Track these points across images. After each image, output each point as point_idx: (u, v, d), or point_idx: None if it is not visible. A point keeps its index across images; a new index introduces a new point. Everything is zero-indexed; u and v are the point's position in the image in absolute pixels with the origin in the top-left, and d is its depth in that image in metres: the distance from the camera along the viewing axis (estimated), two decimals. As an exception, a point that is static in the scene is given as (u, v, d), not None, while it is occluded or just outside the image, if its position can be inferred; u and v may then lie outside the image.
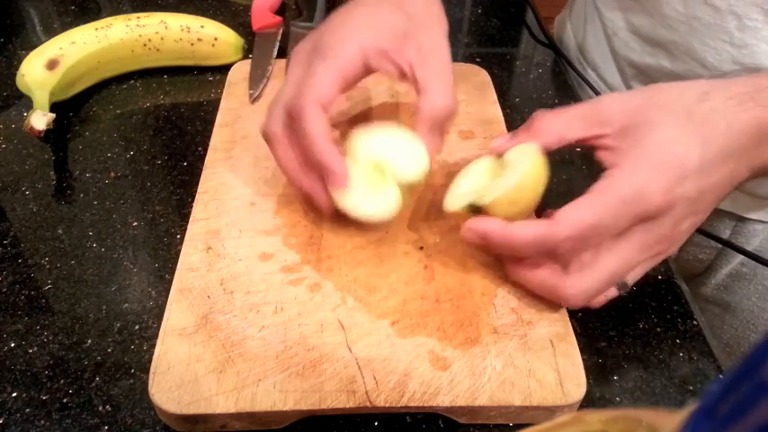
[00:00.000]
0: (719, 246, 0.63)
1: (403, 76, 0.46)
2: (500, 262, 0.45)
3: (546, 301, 0.43)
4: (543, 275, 0.41)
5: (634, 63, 0.62)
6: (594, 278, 0.39)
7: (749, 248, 0.61)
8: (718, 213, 0.61)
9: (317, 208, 0.45)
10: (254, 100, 0.59)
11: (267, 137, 0.46)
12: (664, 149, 0.39)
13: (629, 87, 0.65)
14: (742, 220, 0.61)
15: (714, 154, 0.39)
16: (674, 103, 0.40)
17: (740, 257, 0.62)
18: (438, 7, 0.49)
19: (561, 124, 0.42)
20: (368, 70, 0.45)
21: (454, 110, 0.47)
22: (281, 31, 0.69)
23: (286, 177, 0.46)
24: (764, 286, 0.62)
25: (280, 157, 0.45)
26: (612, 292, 0.42)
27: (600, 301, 0.42)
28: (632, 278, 0.41)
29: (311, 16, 0.63)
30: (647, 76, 0.62)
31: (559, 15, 0.80)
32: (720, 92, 0.40)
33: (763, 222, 0.60)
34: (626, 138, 0.40)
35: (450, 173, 0.53)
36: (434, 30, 0.47)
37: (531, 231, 0.39)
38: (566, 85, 0.69)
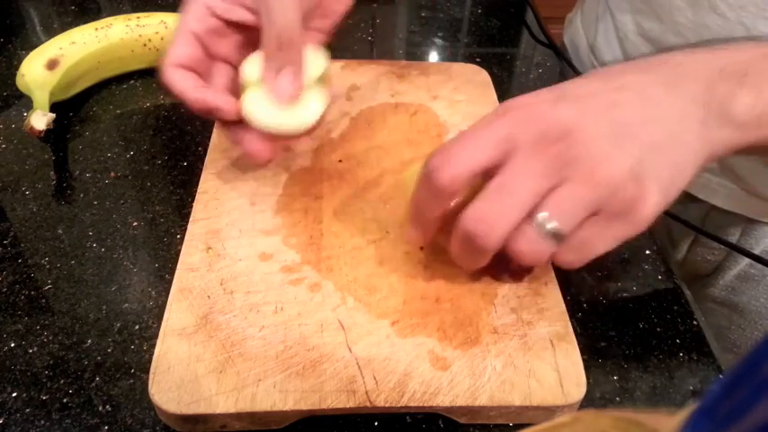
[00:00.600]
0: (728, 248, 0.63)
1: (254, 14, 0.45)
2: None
3: (546, 300, 0.43)
4: (454, 228, 0.37)
5: None
6: (484, 194, 0.35)
7: (758, 250, 0.61)
8: (726, 215, 0.61)
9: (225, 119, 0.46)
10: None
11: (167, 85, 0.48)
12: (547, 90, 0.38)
13: None
14: (751, 222, 0.61)
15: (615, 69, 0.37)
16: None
17: (749, 259, 0.62)
18: None
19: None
20: (221, 19, 0.46)
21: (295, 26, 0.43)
22: None
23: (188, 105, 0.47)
24: None
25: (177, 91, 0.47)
26: (541, 238, 0.35)
27: (530, 250, 0.36)
28: (561, 215, 0.35)
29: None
30: None
31: (570, 14, 0.80)
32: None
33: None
34: None
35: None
36: None
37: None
38: (566, 85, 0.69)
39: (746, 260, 0.62)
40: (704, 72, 0.37)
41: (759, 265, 0.62)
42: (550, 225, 0.34)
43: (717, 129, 0.36)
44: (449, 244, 0.39)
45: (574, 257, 0.36)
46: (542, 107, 0.36)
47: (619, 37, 0.65)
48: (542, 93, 0.38)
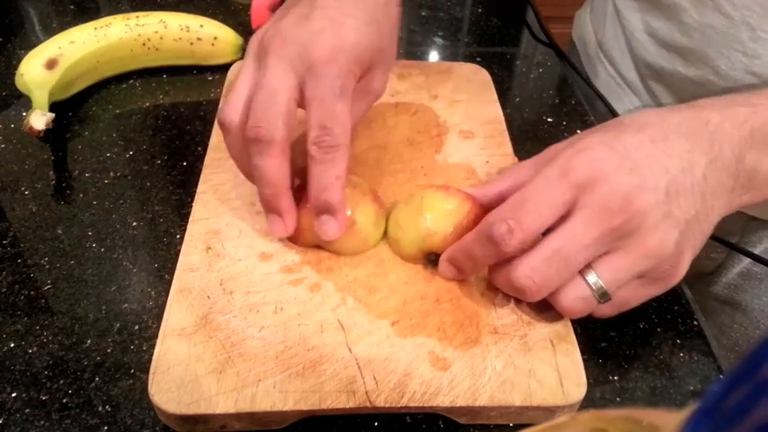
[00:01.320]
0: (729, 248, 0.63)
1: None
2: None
3: (546, 301, 0.43)
4: (503, 269, 0.40)
5: (650, 65, 0.63)
6: (539, 254, 0.38)
7: (759, 249, 0.61)
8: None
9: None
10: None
11: (223, 126, 0.43)
12: (600, 137, 0.39)
13: (646, 87, 0.66)
14: (752, 220, 0.61)
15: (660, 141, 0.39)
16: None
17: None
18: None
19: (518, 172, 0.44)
20: None
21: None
22: None
23: (237, 167, 0.45)
24: None
25: (233, 147, 0.44)
26: (588, 298, 0.39)
27: (576, 304, 0.39)
28: (611, 280, 0.38)
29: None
30: (663, 78, 0.62)
31: (579, 11, 0.80)
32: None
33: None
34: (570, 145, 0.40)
35: (448, 173, 0.53)
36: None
37: (472, 233, 0.41)
38: (566, 84, 0.69)
39: (748, 259, 0.62)
40: (737, 138, 0.39)
41: (761, 264, 0.62)
42: (598, 287, 0.38)
43: (740, 196, 0.41)
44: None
45: (609, 311, 0.41)
46: (607, 171, 0.37)
47: (626, 35, 0.65)
48: (601, 144, 0.39)
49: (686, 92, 0.59)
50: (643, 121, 0.40)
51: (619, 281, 0.38)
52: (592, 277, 0.38)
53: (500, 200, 0.41)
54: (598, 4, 0.73)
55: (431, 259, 0.45)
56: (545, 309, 0.43)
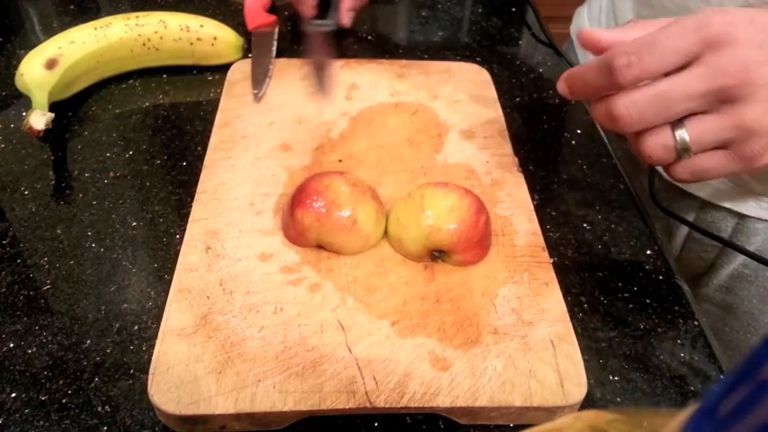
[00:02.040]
0: (721, 244, 0.63)
1: None
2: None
3: (547, 300, 0.43)
4: (606, 97, 0.41)
5: None
6: (646, 91, 0.39)
7: (751, 248, 0.61)
8: (719, 211, 0.61)
9: None
10: (258, 99, 0.59)
11: None
12: (739, 9, 0.40)
13: None
14: (743, 218, 0.61)
15: None
16: None
17: (742, 258, 0.62)
18: None
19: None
20: None
21: None
22: (276, 29, 0.69)
23: None
24: (766, 288, 0.62)
25: None
26: (670, 148, 0.40)
27: (656, 150, 0.41)
28: (696, 138, 0.40)
29: (325, 15, 0.64)
30: None
31: (578, 8, 0.81)
32: None
33: (765, 221, 0.60)
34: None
35: (449, 172, 0.53)
36: None
37: (597, 57, 0.42)
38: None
39: (739, 259, 0.63)
40: None
41: (752, 265, 0.62)
42: (684, 140, 0.40)
43: None
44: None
45: (687, 176, 0.42)
46: (738, 37, 0.38)
47: (617, 24, 0.66)
48: (743, 14, 0.39)
49: None
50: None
51: (704, 141, 0.40)
52: (680, 129, 0.39)
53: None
54: (595, 1, 0.74)
55: (435, 256, 0.45)
56: (546, 309, 0.43)
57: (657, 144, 0.41)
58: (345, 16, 0.66)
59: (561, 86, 0.46)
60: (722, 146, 0.40)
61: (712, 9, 0.40)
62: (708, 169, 0.41)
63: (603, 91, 0.42)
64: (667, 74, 0.39)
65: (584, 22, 0.76)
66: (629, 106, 0.40)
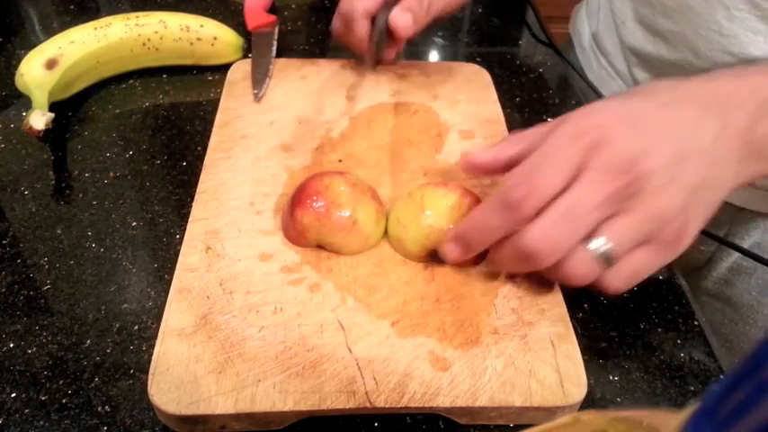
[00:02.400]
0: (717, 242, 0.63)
1: None
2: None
3: (547, 300, 0.43)
4: (506, 241, 0.39)
5: (637, 51, 0.64)
6: (550, 215, 0.37)
7: (749, 241, 0.61)
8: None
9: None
10: (259, 99, 0.59)
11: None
12: (611, 102, 0.40)
13: (632, 75, 0.67)
14: (741, 211, 0.61)
15: (676, 101, 0.39)
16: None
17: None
18: None
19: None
20: None
21: None
22: (276, 29, 0.69)
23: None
24: (765, 280, 0.62)
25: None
26: (593, 261, 0.38)
27: (580, 270, 0.38)
28: (616, 243, 0.37)
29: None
30: (648, 63, 0.64)
31: (577, 5, 0.81)
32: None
33: (763, 214, 0.60)
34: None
35: (449, 173, 0.53)
36: None
37: (485, 202, 0.41)
38: (566, 84, 0.69)
39: (737, 253, 0.63)
40: (750, 106, 0.39)
41: (750, 258, 0.62)
42: (605, 249, 0.37)
43: (751, 165, 0.40)
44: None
45: (620, 283, 0.39)
46: (614, 134, 0.37)
47: (616, 24, 0.67)
48: (609, 110, 0.39)
49: (670, 77, 0.61)
50: (654, 89, 0.41)
51: (624, 243, 0.38)
52: (597, 241, 0.37)
53: (512, 166, 0.41)
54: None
55: (434, 256, 0.45)
56: (546, 309, 0.43)
57: (579, 264, 0.38)
58: (402, 17, 0.55)
59: (450, 250, 0.42)
60: (643, 241, 0.38)
61: (585, 108, 0.40)
62: (639, 270, 0.39)
63: (508, 230, 0.39)
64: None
65: (583, 21, 0.76)
66: (541, 239, 0.37)
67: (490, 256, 0.42)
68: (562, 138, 0.38)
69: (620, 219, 0.37)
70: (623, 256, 0.38)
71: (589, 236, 0.37)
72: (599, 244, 0.37)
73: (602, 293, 0.40)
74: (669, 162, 0.37)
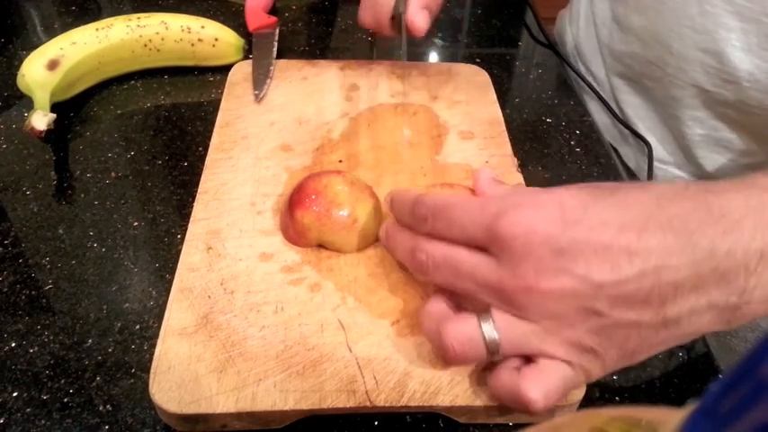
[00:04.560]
0: None
1: None
2: None
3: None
4: (409, 239, 0.39)
5: (613, 51, 0.65)
6: (443, 250, 0.36)
7: None
8: None
9: None
10: (259, 100, 0.59)
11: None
12: (562, 193, 0.34)
13: (609, 80, 0.68)
14: None
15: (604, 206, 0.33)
16: None
17: None
18: None
19: None
20: None
21: None
22: (277, 30, 0.69)
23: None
24: None
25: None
26: (476, 340, 0.34)
27: (459, 340, 0.35)
28: (506, 335, 0.34)
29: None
30: (623, 64, 0.65)
31: (561, 11, 0.81)
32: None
33: None
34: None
35: (448, 173, 0.53)
36: None
37: (415, 195, 0.39)
38: (565, 85, 0.69)
39: None
40: (742, 262, 0.31)
41: None
42: (492, 337, 0.34)
43: (721, 325, 0.33)
44: None
45: (539, 394, 0.33)
46: (528, 256, 0.32)
47: (596, 24, 0.68)
48: (539, 210, 0.33)
49: (645, 77, 0.62)
50: (632, 199, 0.33)
51: (513, 341, 0.34)
52: (486, 323, 0.34)
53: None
54: (576, 4, 0.74)
55: None
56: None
57: (461, 334, 0.34)
58: (418, 16, 0.53)
59: (382, 237, 0.43)
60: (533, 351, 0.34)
61: (535, 193, 0.35)
62: (557, 381, 0.34)
63: (407, 231, 0.40)
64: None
65: (566, 27, 0.77)
66: (428, 255, 0.36)
67: (392, 233, 0.42)
68: (484, 210, 0.34)
69: (510, 315, 0.34)
70: (514, 355, 0.35)
71: (484, 315, 0.34)
72: (487, 328, 0.34)
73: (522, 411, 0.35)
74: (589, 292, 0.32)
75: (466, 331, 0.34)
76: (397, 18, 0.54)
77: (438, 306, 0.38)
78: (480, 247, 0.35)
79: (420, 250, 0.37)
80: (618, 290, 0.31)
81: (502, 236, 0.33)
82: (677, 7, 0.55)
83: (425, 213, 0.37)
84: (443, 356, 0.36)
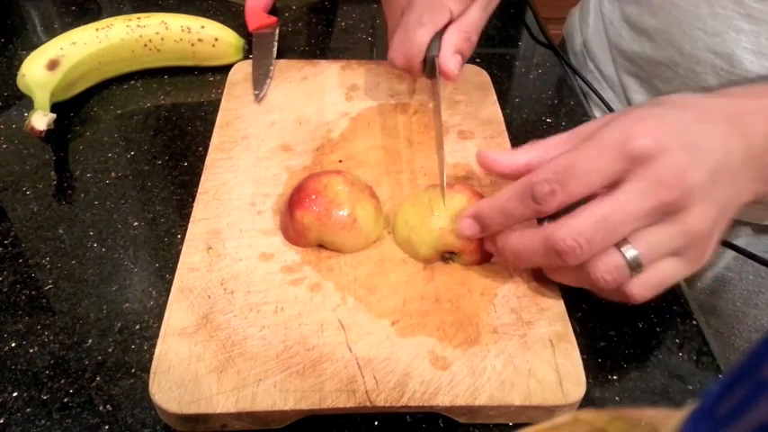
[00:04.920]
0: None
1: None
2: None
3: (546, 300, 0.43)
4: (534, 232, 0.39)
5: (623, 51, 0.65)
6: (587, 217, 0.37)
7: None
8: None
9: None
10: (259, 100, 0.59)
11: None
12: (652, 111, 0.39)
13: (619, 78, 0.68)
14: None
15: (708, 123, 0.38)
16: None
17: (725, 261, 0.63)
18: None
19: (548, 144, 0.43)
20: None
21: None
22: (277, 30, 0.69)
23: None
24: (749, 291, 0.63)
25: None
26: (622, 268, 0.37)
27: (609, 274, 0.38)
28: (647, 253, 0.37)
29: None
30: (634, 63, 0.64)
31: (571, 10, 0.81)
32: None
33: (746, 224, 0.61)
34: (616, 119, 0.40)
35: (449, 172, 0.53)
36: None
37: (512, 186, 0.40)
38: (565, 85, 0.69)
39: (723, 262, 0.63)
40: (766, 129, 0.39)
41: (735, 268, 0.62)
42: (634, 256, 0.37)
43: (759, 186, 0.41)
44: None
45: (644, 292, 0.39)
46: (663, 147, 0.37)
47: (605, 25, 0.68)
48: (653, 119, 0.38)
49: (656, 78, 0.62)
50: (684, 103, 0.40)
51: (655, 254, 0.38)
52: (628, 248, 0.37)
53: (526, 170, 0.41)
54: (584, 2, 0.74)
55: (446, 258, 0.45)
56: (545, 308, 0.43)
57: (609, 268, 0.38)
58: (450, 61, 0.52)
59: (467, 226, 0.43)
60: (671, 253, 0.38)
61: (627, 114, 0.39)
62: (663, 280, 0.39)
63: (527, 219, 0.40)
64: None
65: (576, 26, 0.76)
66: (576, 236, 0.37)
67: (505, 246, 0.41)
68: (608, 139, 0.37)
69: (654, 230, 0.37)
70: (651, 264, 0.38)
71: (619, 242, 0.37)
72: (629, 252, 0.37)
73: (620, 301, 0.40)
74: (707, 179, 0.37)
75: (612, 262, 0.37)
76: (429, 61, 0.52)
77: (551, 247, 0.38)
78: (612, 184, 0.37)
79: (561, 237, 0.37)
80: (721, 170, 0.37)
81: (639, 152, 0.36)
82: (689, 9, 0.55)
83: (549, 187, 0.38)
84: (593, 288, 0.40)
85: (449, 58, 0.51)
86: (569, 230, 0.37)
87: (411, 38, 0.50)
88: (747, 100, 0.41)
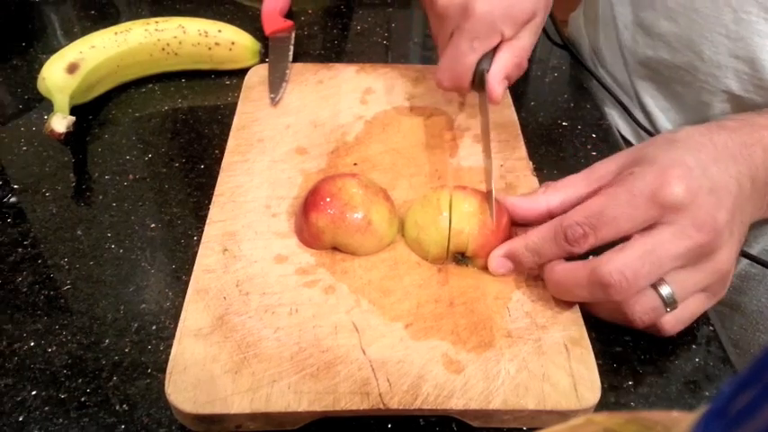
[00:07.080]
0: None
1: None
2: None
3: (560, 305, 0.43)
4: (580, 266, 0.41)
5: (637, 56, 0.64)
6: (634, 251, 0.39)
7: (757, 248, 0.61)
8: None
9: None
10: (275, 103, 0.60)
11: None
12: (673, 156, 0.41)
13: (633, 83, 0.67)
14: None
15: (725, 163, 0.41)
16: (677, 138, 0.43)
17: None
18: None
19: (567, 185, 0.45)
20: None
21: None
22: (293, 34, 0.70)
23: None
24: None
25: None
26: (658, 308, 0.40)
27: (647, 314, 0.40)
28: (681, 293, 0.40)
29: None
30: (649, 68, 0.64)
31: (573, 13, 0.81)
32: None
33: None
34: (636, 163, 0.42)
35: (462, 176, 0.53)
36: None
37: (543, 227, 0.43)
38: (581, 88, 0.69)
39: (745, 260, 0.62)
40: (764, 161, 0.43)
41: (759, 265, 0.61)
42: (671, 297, 0.40)
43: (760, 213, 0.45)
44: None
45: (677, 327, 0.42)
46: (694, 192, 0.39)
47: (617, 30, 0.67)
48: (682, 168, 0.39)
49: (674, 82, 0.61)
50: (693, 141, 0.42)
51: (687, 293, 0.40)
52: (664, 287, 0.39)
53: (548, 215, 0.44)
54: (591, 5, 0.74)
55: (457, 259, 0.45)
56: (559, 312, 0.43)
57: (647, 307, 0.40)
58: (498, 87, 0.51)
59: (499, 265, 0.44)
60: (701, 289, 0.41)
61: (646, 157, 0.41)
62: (693, 314, 0.42)
63: (559, 258, 0.42)
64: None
65: (581, 30, 0.76)
66: (623, 270, 0.38)
67: (551, 278, 0.43)
68: (639, 191, 0.39)
69: (688, 270, 0.40)
70: (682, 302, 0.41)
71: (658, 281, 0.40)
72: (665, 291, 0.40)
73: (650, 333, 0.43)
74: (730, 218, 0.39)
75: (649, 303, 0.40)
76: (478, 75, 0.51)
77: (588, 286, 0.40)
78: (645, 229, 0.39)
79: (608, 271, 0.39)
80: (737, 207, 0.41)
81: (673, 201, 0.38)
82: (710, 14, 0.54)
83: (582, 230, 0.40)
84: (630, 325, 0.42)
85: (497, 84, 0.51)
86: (616, 264, 0.39)
87: (462, 63, 0.51)
88: (745, 133, 0.43)
